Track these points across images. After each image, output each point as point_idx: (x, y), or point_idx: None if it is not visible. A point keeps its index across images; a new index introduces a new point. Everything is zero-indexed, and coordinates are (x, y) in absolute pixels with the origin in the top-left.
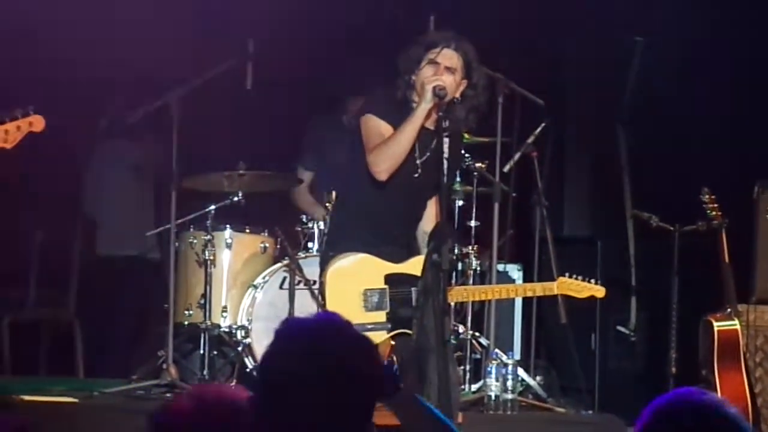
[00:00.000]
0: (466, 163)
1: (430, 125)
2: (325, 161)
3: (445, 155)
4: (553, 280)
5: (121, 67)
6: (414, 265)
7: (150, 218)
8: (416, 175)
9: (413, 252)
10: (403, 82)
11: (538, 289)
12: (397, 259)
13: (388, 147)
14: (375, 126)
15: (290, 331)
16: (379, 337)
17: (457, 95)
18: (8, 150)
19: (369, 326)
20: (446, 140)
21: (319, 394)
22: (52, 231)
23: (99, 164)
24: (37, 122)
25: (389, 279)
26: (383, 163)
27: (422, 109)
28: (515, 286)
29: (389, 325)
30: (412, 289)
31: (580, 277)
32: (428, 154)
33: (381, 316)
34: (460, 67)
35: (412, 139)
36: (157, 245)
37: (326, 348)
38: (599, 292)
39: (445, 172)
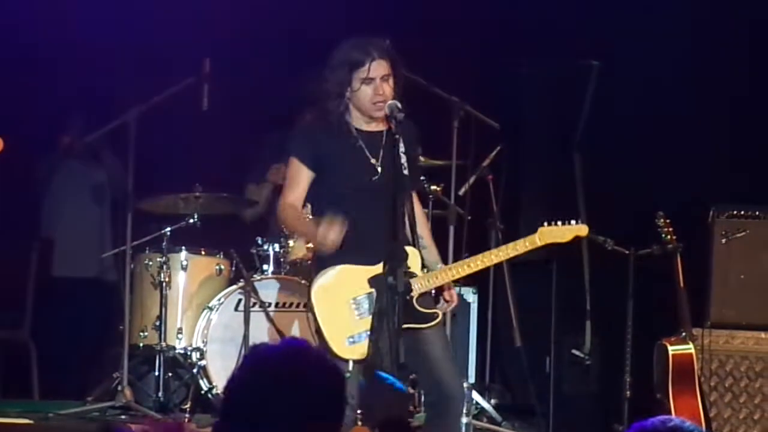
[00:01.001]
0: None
1: (372, 127)
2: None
3: (402, 150)
4: (508, 303)
5: (80, 87)
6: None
7: (108, 239)
8: (375, 178)
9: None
10: (336, 105)
11: (520, 245)
12: (376, 261)
13: (288, 220)
14: (293, 170)
15: (256, 359)
16: None
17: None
18: None
19: (363, 334)
20: (401, 140)
21: (284, 424)
22: (7, 252)
23: (58, 184)
24: None
25: (373, 281)
26: (281, 222)
27: (314, 234)
28: (496, 250)
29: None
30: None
31: (560, 222)
32: (382, 153)
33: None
34: (389, 70)
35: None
36: (113, 267)
37: (294, 377)
38: (582, 230)
39: (406, 167)
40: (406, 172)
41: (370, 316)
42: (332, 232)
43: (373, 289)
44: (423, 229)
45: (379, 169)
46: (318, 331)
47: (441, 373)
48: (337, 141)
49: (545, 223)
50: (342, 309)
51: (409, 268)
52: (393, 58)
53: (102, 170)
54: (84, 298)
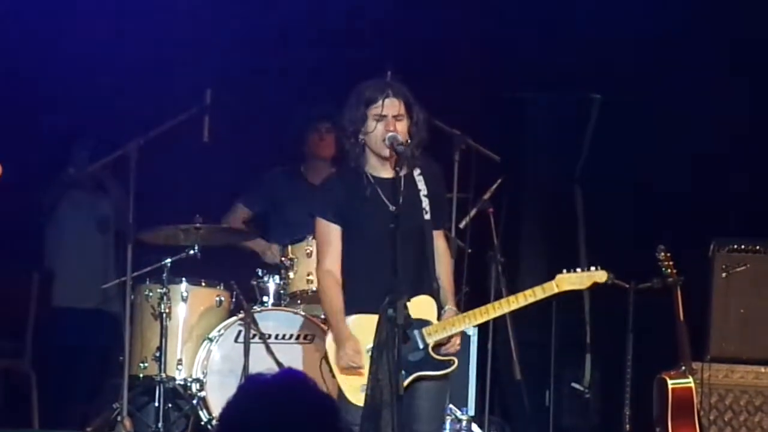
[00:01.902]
0: None
1: (387, 175)
2: (284, 216)
3: (424, 193)
4: (508, 337)
5: (82, 117)
6: (410, 309)
7: (111, 270)
8: (393, 225)
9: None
10: (353, 145)
11: (539, 292)
12: None
13: (325, 299)
14: (323, 232)
15: (252, 389)
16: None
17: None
18: None
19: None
20: (420, 182)
21: None
22: (8, 281)
23: (63, 214)
24: None
25: (377, 324)
26: (320, 293)
27: (340, 340)
28: (513, 297)
29: (404, 373)
30: (415, 332)
31: (578, 270)
32: (401, 199)
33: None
34: (404, 111)
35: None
36: (115, 297)
37: (288, 408)
38: (601, 276)
39: (428, 210)
40: (427, 216)
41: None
42: (351, 359)
43: None
44: (441, 267)
45: (394, 217)
46: (334, 379)
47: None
48: (355, 192)
49: (564, 271)
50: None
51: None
52: (408, 100)
53: (107, 200)
54: (85, 328)
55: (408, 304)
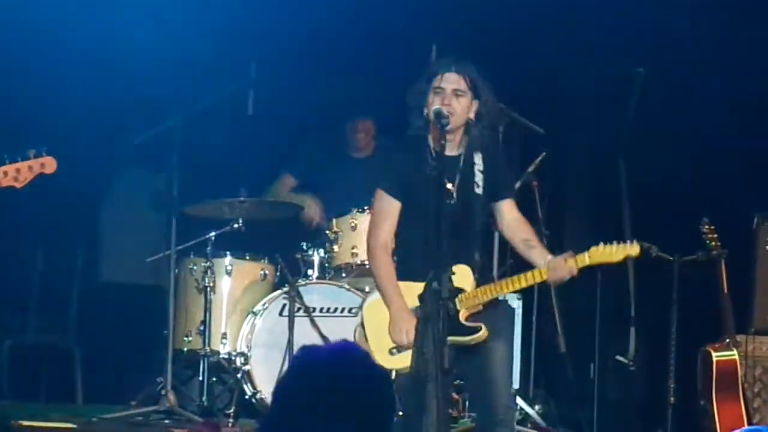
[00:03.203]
0: None
1: (450, 152)
2: (334, 187)
3: (480, 169)
4: (552, 310)
5: (127, 92)
6: None
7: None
8: (451, 202)
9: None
10: (416, 117)
11: (571, 263)
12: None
13: (378, 272)
14: (383, 205)
15: (307, 361)
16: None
17: (471, 116)
18: (18, 189)
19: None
20: (479, 161)
21: (331, 429)
22: (51, 258)
23: (118, 191)
24: (50, 164)
25: (421, 297)
26: (371, 266)
27: (396, 303)
28: (539, 270)
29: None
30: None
31: (614, 243)
32: (458, 176)
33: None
34: (466, 88)
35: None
36: (159, 271)
37: (342, 380)
38: (633, 249)
39: (480, 185)
40: (478, 190)
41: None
42: (408, 336)
43: (418, 305)
44: (526, 233)
45: (455, 195)
46: (365, 340)
47: (494, 396)
48: (416, 168)
49: (601, 244)
50: (388, 325)
51: (453, 284)
52: (474, 79)
53: (161, 176)
54: (130, 302)
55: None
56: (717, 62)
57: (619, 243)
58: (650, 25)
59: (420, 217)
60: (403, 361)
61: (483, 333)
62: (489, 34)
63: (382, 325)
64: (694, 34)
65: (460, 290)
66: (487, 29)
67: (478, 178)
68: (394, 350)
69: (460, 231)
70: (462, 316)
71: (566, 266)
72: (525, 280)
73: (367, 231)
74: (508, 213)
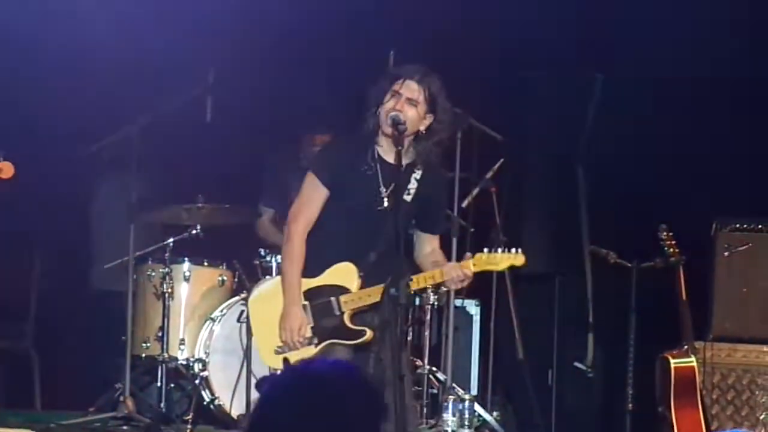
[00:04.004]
0: None
1: (392, 159)
2: (287, 199)
3: (417, 177)
4: (511, 316)
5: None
6: (331, 276)
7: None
8: (380, 208)
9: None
10: (370, 115)
11: (455, 269)
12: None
13: (287, 259)
14: (309, 187)
15: (298, 377)
16: (308, 351)
17: (422, 128)
18: None
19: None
20: (419, 172)
21: None
22: (9, 262)
23: (104, 198)
24: (6, 169)
25: (308, 294)
26: (284, 249)
27: (290, 295)
28: (431, 273)
29: (316, 339)
30: (331, 298)
31: (500, 250)
32: (393, 186)
33: (306, 332)
34: (422, 100)
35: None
36: (117, 277)
37: (333, 402)
38: (518, 259)
39: (412, 195)
40: (408, 198)
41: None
42: (296, 337)
43: (306, 302)
44: (437, 257)
45: (386, 201)
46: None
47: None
48: (355, 163)
49: (485, 250)
50: (275, 318)
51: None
52: (434, 94)
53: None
54: (88, 307)
55: (330, 269)
56: (675, 67)
57: (504, 251)
58: (608, 30)
59: (342, 214)
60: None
61: (368, 336)
62: (447, 39)
63: (267, 320)
64: (653, 39)
65: (344, 289)
66: (445, 34)
67: (412, 186)
68: (279, 349)
69: (367, 230)
70: (347, 317)
71: (458, 267)
72: (421, 281)
73: (290, 213)
74: (428, 245)
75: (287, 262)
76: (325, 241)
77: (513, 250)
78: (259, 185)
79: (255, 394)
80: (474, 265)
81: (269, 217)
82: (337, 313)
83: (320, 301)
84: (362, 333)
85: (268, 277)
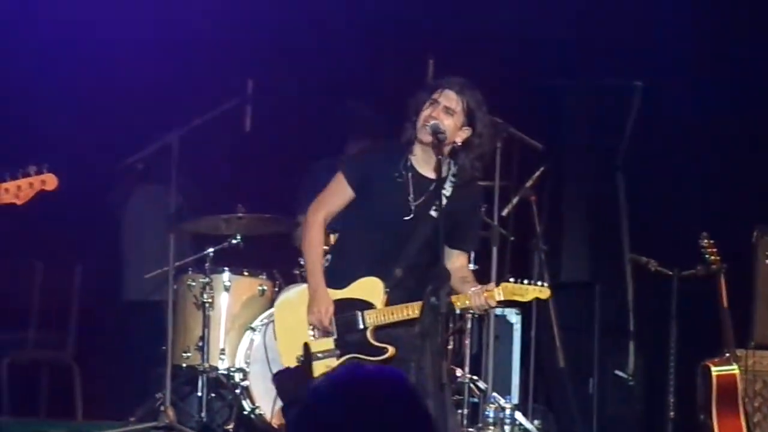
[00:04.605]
0: None
1: (427, 173)
2: None
3: (447, 194)
4: (551, 324)
5: (124, 110)
6: (357, 289)
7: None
8: (408, 218)
9: (413, 296)
10: (410, 124)
11: (488, 294)
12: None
13: (308, 247)
14: (336, 186)
15: (348, 380)
16: (330, 363)
17: (458, 141)
18: (19, 206)
19: (319, 355)
20: (449, 188)
21: None
22: (52, 272)
23: (134, 209)
24: (50, 181)
25: (334, 305)
26: (303, 236)
27: (315, 279)
28: (456, 297)
29: (338, 351)
30: (357, 312)
31: (525, 281)
32: (423, 198)
33: (329, 344)
34: (460, 110)
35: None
36: (157, 287)
37: (381, 411)
38: (543, 293)
39: (439, 211)
40: (434, 213)
41: (324, 341)
42: (323, 318)
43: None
44: (464, 273)
45: (413, 213)
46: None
47: None
48: (387, 171)
49: (511, 279)
50: (299, 326)
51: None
52: (472, 107)
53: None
54: (129, 318)
55: (357, 283)
56: (715, 74)
57: (530, 283)
58: (648, 39)
59: (369, 222)
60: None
61: (389, 354)
62: (487, 49)
63: (291, 327)
64: (692, 47)
65: (369, 304)
66: (484, 44)
67: (443, 201)
68: (301, 357)
69: (394, 240)
70: (370, 333)
71: (482, 296)
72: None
73: (312, 204)
74: (456, 262)
75: (308, 249)
76: (351, 251)
77: (539, 282)
78: (298, 194)
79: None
80: (500, 293)
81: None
82: (361, 327)
83: (344, 314)
84: (384, 350)
85: (297, 285)
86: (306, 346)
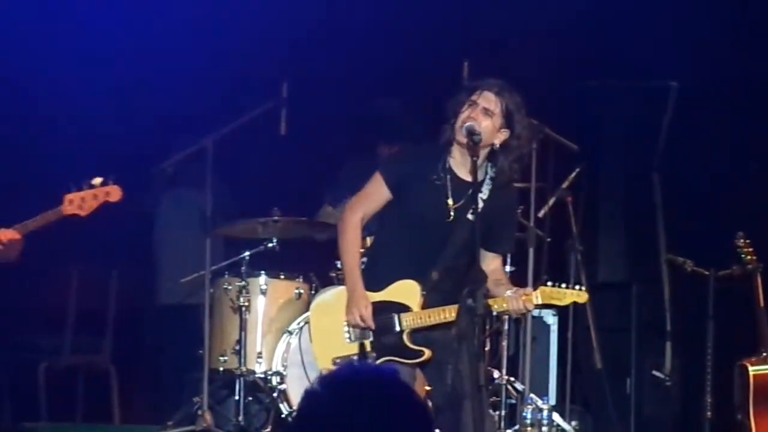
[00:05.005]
0: None
1: (465, 175)
2: None
3: (484, 198)
4: (588, 325)
5: (159, 113)
6: (393, 292)
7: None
8: (446, 221)
9: (450, 299)
10: (449, 126)
11: (525, 297)
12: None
13: (345, 246)
14: (374, 185)
15: (342, 378)
16: None
17: (497, 143)
18: (83, 217)
19: (354, 357)
20: (486, 191)
21: None
22: (88, 278)
23: (167, 213)
24: (115, 192)
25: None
26: (339, 236)
27: (352, 278)
28: (493, 300)
29: (374, 354)
30: (393, 314)
31: (563, 285)
32: (461, 201)
33: (366, 346)
34: (499, 112)
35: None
36: (194, 292)
37: (380, 406)
38: (581, 297)
39: (476, 214)
40: (471, 217)
41: (357, 343)
42: (363, 315)
43: None
44: (498, 276)
45: (452, 214)
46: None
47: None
48: (425, 172)
49: (548, 283)
50: (335, 329)
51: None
52: (510, 108)
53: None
54: (165, 322)
55: (393, 285)
56: (751, 74)
57: (568, 287)
58: (684, 39)
59: (406, 224)
60: None
61: (426, 357)
62: (522, 50)
63: (327, 330)
64: (728, 47)
65: (405, 307)
66: (519, 46)
67: (479, 205)
68: (336, 360)
69: (432, 243)
70: (406, 336)
71: (520, 299)
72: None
73: (348, 204)
74: (490, 264)
75: (345, 249)
76: (388, 253)
77: (577, 287)
78: (329, 186)
79: None
80: (539, 296)
81: (326, 214)
82: (398, 330)
83: (381, 317)
84: (420, 353)
85: (334, 287)
86: (362, 345)
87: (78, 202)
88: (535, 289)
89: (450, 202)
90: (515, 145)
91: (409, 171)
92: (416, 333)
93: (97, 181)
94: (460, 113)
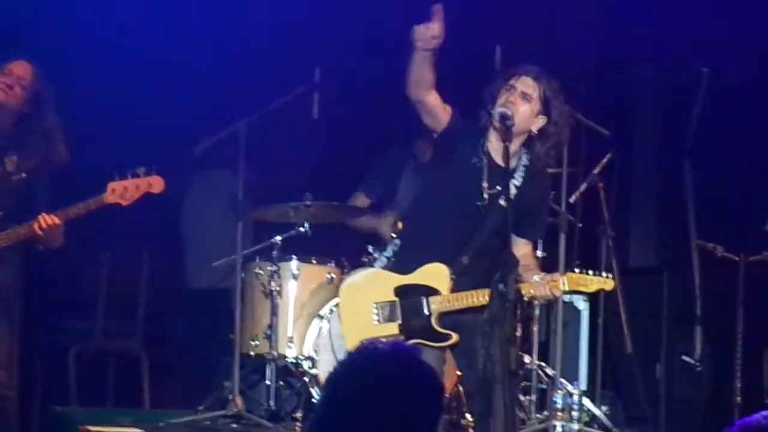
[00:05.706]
0: None
1: (501, 161)
2: (389, 194)
3: (517, 184)
4: (619, 310)
5: (192, 98)
6: (423, 275)
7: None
8: (479, 205)
9: (480, 283)
10: (485, 111)
11: (552, 284)
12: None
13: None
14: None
15: (364, 357)
16: None
17: (534, 129)
18: (124, 207)
19: (383, 339)
20: (519, 178)
21: (380, 424)
22: (119, 262)
23: (196, 196)
24: (157, 183)
25: (399, 291)
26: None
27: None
28: (522, 285)
29: (402, 337)
30: (422, 297)
31: (591, 272)
32: (496, 186)
33: (393, 328)
34: (536, 97)
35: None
36: (226, 275)
37: (397, 379)
38: (607, 284)
39: (509, 200)
40: (503, 203)
41: (388, 325)
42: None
43: (396, 299)
44: (528, 261)
45: (486, 197)
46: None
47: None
48: (469, 152)
49: (576, 269)
50: (363, 310)
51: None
52: (549, 95)
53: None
54: (196, 306)
55: (423, 269)
56: None
57: (595, 273)
58: (715, 26)
59: (442, 204)
60: None
61: (453, 341)
62: (554, 36)
63: (356, 311)
64: (760, 33)
65: (434, 290)
66: (551, 31)
67: (511, 192)
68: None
69: (463, 225)
70: (434, 319)
71: (547, 285)
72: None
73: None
74: (521, 250)
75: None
76: (420, 236)
77: (605, 274)
78: (367, 175)
79: None
80: (566, 282)
81: (358, 201)
82: (426, 313)
83: (410, 299)
84: (448, 337)
85: (363, 269)
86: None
87: (120, 191)
88: (562, 275)
89: (485, 186)
90: (552, 132)
91: (458, 141)
92: (445, 316)
93: (141, 170)
94: (497, 98)
